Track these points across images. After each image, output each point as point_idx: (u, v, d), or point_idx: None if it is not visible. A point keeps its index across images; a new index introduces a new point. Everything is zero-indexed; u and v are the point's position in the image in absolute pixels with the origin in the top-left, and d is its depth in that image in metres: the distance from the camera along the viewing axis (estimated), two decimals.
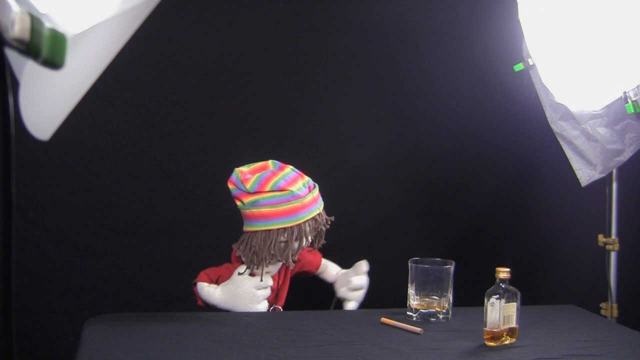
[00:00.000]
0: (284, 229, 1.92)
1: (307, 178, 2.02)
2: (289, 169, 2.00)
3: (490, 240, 2.84)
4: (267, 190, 1.91)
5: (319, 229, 2.02)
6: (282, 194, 1.91)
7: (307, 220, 1.95)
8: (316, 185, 2.04)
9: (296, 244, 1.95)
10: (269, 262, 1.94)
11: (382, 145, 2.75)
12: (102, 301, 2.45)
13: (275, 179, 1.92)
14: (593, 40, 2.10)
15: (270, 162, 2.03)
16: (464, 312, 1.88)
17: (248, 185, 1.92)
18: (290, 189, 1.91)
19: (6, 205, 0.71)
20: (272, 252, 1.92)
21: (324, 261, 2.24)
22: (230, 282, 1.95)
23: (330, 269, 2.25)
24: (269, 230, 1.92)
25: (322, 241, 2.08)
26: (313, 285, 2.24)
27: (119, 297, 2.49)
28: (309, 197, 1.97)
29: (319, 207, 2.01)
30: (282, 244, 1.94)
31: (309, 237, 1.98)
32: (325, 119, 2.69)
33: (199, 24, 2.55)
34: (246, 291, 1.93)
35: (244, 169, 1.99)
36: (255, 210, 1.92)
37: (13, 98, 0.71)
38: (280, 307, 2.07)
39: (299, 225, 1.93)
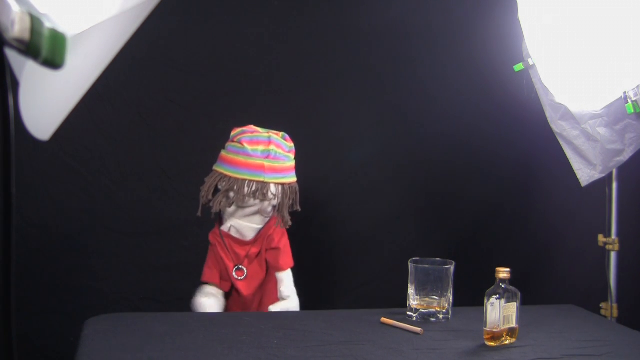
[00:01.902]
0: (224, 175, 2.04)
1: (273, 148, 2.04)
2: (266, 134, 2.06)
3: (490, 240, 2.84)
4: (234, 139, 2.07)
5: (261, 200, 2.03)
6: (235, 145, 2.05)
7: (246, 179, 2.01)
8: (282, 159, 2.05)
9: (232, 195, 2.02)
10: (206, 200, 2.06)
11: (382, 145, 2.75)
12: (102, 301, 2.45)
13: (245, 135, 2.05)
14: (593, 40, 2.10)
15: (280, 133, 2.11)
16: (464, 312, 1.88)
17: (232, 134, 2.10)
18: (245, 144, 2.02)
19: (6, 205, 0.71)
20: (209, 191, 2.05)
21: (283, 275, 2.15)
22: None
23: (283, 287, 2.14)
24: (215, 171, 2.08)
25: (288, 222, 2.11)
26: (313, 285, 2.24)
27: (119, 297, 2.49)
28: (257, 161, 2.02)
29: (265, 176, 2.02)
30: (225, 197, 2.04)
31: (246, 199, 2.01)
32: (325, 119, 2.69)
33: (199, 24, 2.55)
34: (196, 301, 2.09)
35: (255, 127, 2.11)
36: (222, 152, 2.11)
37: (13, 98, 0.71)
38: (243, 268, 2.11)
39: (237, 180, 2.01)
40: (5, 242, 0.70)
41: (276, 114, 2.62)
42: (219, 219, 2.14)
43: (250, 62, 2.60)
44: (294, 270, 2.16)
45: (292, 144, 2.13)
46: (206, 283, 2.12)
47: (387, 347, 1.57)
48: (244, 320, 1.81)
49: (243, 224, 2.09)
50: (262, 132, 2.07)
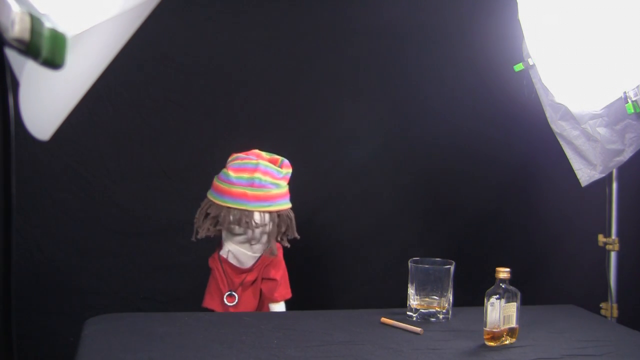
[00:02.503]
0: (212, 202, 2.05)
1: (258, 175, 2.02)
2: (254, 160, 2.05)
3: (490, 240, 2.84)
4: (226, 166, 2.08)
5: (245, 228, 2.02)
6: (224, 172, 2.07)
7: (230, 207, 2.01)
8: (268, 187, 2.03)
9: (220, 223, 2.03)
10: (199, 227, 2.07)
11: (382, 145, 2.75)
12: (102, 301, 2.45)
13: (235, 162, 2.08)
14: (593, 40, 2.10)
15: (280, 158, 2.10)
16: (464, 312, 1.88)
17: (229, 159, 2.11)
18: (230, 172, 2.04)
19: (6, 205, 0.71)
20: (201, 216, 2.06)
21: (275, 307, 2.13)
22: None
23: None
24: (207, 198, 2.09)
25: (275, 252, 2.08)
26: (313, 285, 2.24)
27: (119, 297, 2.49)
28: (239, 189, 2.01)
29: (249, 204, 2.01)
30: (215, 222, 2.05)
31: (231, 227, 2.02)
32: (325, 119, 2.69)
33: (199, 24, 2.55)
34: None
35: (258, 151, 2.12)
36: (214, 179, 2.11)
37: (13, 98, 0.71)
38: (235, 294, 2.09)
39: (222, 207, 2.02)
40: (5, 242, 0.70)
41: (276, 114, 2.62)
42: (219, 243, 2.13)
43: (250, 62, 2.60)
44: (292, 281, 2.15)
45: (287, 171, 2.09)
46: (207, 309, 2.10)
47: (387, 347, 1.57)
48: (244, 320, 1.81)
49: (240, 250, 2.08)
50: (251, 159, 2.05)
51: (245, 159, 2.06)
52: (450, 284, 1.84)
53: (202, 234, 2.06)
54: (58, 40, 0.74)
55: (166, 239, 2.54)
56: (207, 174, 2.34)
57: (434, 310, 1.82)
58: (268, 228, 2.04)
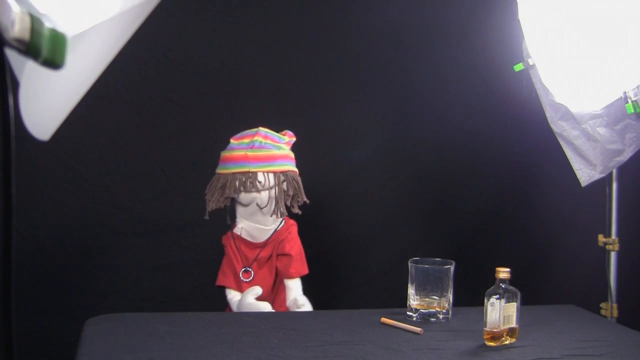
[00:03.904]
0: (218, 174, 2.09)
1: (258, 138, 2.05)
2: (255, 129, 2.08)
3: (490, 240, 2.84)
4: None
5: (250, 190, 2.03)
6: (228, 144, 2.10)
7: (234, 172, 2.03)
8: (268, 148, 2.06)
9: (227, 192, 2.05)
10: (211, 200, 2.08)
11: (382, 145, 2.75)
12: (102, 301, 2.45)
13: (238, 133, 2.10)
14: (593, 40, 2.10)
15: (285, 131, 2.15)
16: (464, 312, 1.88)
17: None
18: (231, 140, 2.09)
19: (6, 205, 0.71)
20: (211, 192, 2.08)
21: (292, 283, 2.13)
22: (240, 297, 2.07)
23: (296, 294, 2.11)
24: (215, 173, 2.11)
25: (284, 213, 2.10)
26: (313, 285, 2.24)
27: (119, 297, 2.49)
28: (240, 152, 2.04)
29: (250, 165, 2.03)
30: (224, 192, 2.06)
31: (238, 192, 2.04)
32: (325, 119, 2.69)
33: (199, 24, 2.55)
34: (248, 304, 2.01)
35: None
36: None
37: (13, 98, 0.71)
38: (250, 269, 2.10)
39: (227, 175, 2.05)
40: (5, 242, 0.70)
41: (276, 114, 2.62)
42: (233, 224, 2.15)
43: (250, 62, 2.60)
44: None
45: (290, 139, 2.13)
46: (222, 287, 2.11)
47: (387, 347, 1.57)
48: (244, 320, 1.81)
49: (252, 225, 2.10)
50: (253, 129, 2.09)
51: (250, 131, 2.10)
52: (450, 284, 1.84)
53: (212, 206, 2.07)
54: (58, 40, 0.74)
55: (166, 239, 2.54)
56: (207, 174, 2.34)
57: (434, 310, 1.82)
58: (275, 191, 2.05)
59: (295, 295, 2.09)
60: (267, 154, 2.05)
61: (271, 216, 2.09)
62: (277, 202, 2.07)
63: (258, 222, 2.10)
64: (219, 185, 2.07)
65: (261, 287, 2.06)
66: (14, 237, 0.71)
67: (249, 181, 2.02)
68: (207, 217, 2.10)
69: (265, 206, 2.07)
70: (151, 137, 2.51)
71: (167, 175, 2.53)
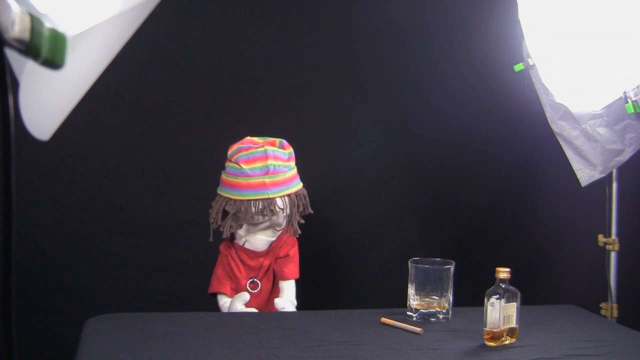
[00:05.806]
0: (229, 199, 2.04)
1: (271, 162, 2.03)
2: (261, 147, 2.05)
3: (490, 240, 2.84)
4: (232, 160, 2.06)
5: (270, 216, 2.04)
6: (234, 167, 2.05)
7: (251, 199, 2.01)
8: (282, 171, 2.05)
9: (241, 217, 2.03)
10: (216, 225, 2.07)
11: (382, 145, 2.75)
12: (102, 301, 2.45)
13: (241, 153, 2.04)
14: (593, 40, 2.10)
15: (277, 140, 2.12)
16: (464, 312, 1.88)
17: (229, 152, 2.09)
18: (242, 165, 2.03)
19: (6, 205, 0.71)
20: (218, 215, 2.06)
21: (285, 285, 2.14)
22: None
23: (283, 294, 2.13)
24: (221, 195, 2.08)
25: (298, 231, 2.13)
26: (313, 285, 2.24)
27: (119, 297, 2.49)
28: (257, 180, 2.02)
29: (269, 192, 2.02)
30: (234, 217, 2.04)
31: (255, 218, 2.03)
32: (325, 119, 2.69)
33: (199, 24, 2.55)
34: (237, 312, 2.03)
35: (251, 138, 2.12)
36: (222, 175, 2.10)
37: (13, 98, 0.71)
38: (258, 281, 2.11)
39: (242, 201, 2.02)
40: (5, 242, 0.70)
41: (276, 114, 2.62)
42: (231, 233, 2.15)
43: (250, 62, 2.60)
44: None
45: (290, 150, 2.12)
46: (217, 294, 2.11)
47: (387, 347, 1.57)
48: (244, 320, 1.82)
49: (256, 237, 2.10)
50: (257, 147, 2.05)
51: (251, 148, 2.06)
52: (450, 284, 1.84)
53: (226, 232, 2.06)
54: (58, 40, 0.74)
55: (166, 239, 2.54)
56: (207, 174, 2.35)
57: (434, 310, 1.83)
58: (287, 210, 2.07)
59: (282, 297, 2.11)
60: (283, 179, 2.06)
61: (285, 235, 2.12)
62: (289, 221, 2.10)
63: (264, 234, 2.10)
64: (232, 212, 2.04)
65: (264, 294, 2.10)
66: (14, 237, 0.71)
67: (268, 208, 2.02)
68: (211, 240, 2.09)
69: (279, 227, 2.09)
70: (151, 137, 2.51)
71: (167, 175, 2.53)
